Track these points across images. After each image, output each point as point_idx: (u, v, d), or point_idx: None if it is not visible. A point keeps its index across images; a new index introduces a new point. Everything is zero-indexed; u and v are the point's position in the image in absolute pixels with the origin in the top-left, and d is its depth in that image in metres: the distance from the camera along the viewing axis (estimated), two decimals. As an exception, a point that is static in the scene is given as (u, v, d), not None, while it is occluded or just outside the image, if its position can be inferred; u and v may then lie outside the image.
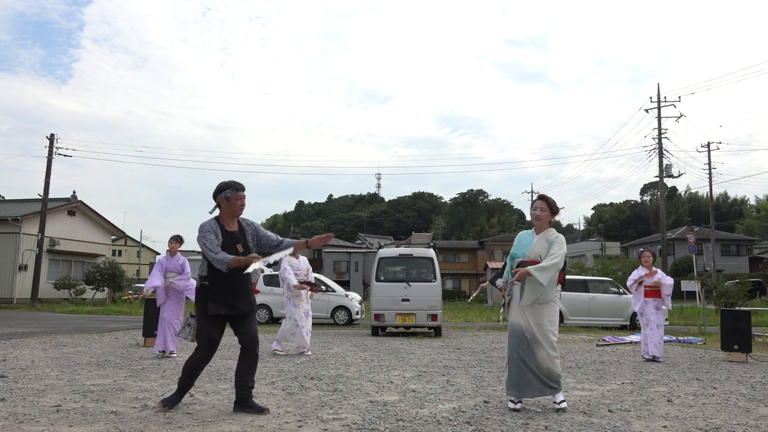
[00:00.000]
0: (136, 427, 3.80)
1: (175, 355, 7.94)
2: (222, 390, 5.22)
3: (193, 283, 8.18)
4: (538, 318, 4.57)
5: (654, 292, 8.50)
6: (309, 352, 8.53)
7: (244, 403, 4.35)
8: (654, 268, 8.57)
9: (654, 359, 8.21)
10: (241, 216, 4.55)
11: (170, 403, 4.39)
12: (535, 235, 4.76)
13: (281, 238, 4.61)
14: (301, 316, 8.52)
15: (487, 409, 4.57)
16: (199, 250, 4.51)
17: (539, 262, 4.56)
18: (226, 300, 4.33)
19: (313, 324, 15.94)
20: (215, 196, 4.46)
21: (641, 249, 9.17)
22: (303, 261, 8.90)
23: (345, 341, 10.88)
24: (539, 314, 4.58)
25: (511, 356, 4.62)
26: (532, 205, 4.87)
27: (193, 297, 8.05)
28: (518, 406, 4.54)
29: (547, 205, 4.75)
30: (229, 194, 4.40)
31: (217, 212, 4.48)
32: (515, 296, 4.69)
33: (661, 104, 29.52)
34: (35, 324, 14.71)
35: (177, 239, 8.16)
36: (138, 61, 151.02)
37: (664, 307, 8.63)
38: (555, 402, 4.56)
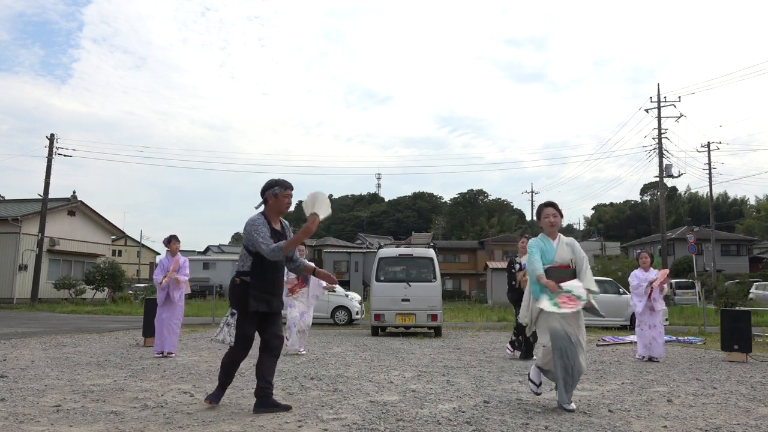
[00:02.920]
0: (136, 427, 3.80)
1: (174, 355, 7.94)
2: (222, 390, 5.22)
3: (183, 288, 8.21)
4: (580, 322, 4.69)
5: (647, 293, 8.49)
6: (303, 351, 8.57)
7: (267, 402, 4.36)
8: (651, 269, 8.59)
9: (651, 359, 8.20)
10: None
11: (215, 399, 4.47)
12: (552, 241, 4.87)
13: (300, 259, 4.70)
14: (295, 316, 8.58)
15: (487, 409, 4.57)
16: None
17: (570, 267, 4.81)
18: (265, 297, 4.38)
19: (314, 324, 15.92)
20: (263, 192, 4.51)
21: (638, 251, 9.13)
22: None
23: (345, 341, 10.88)
24: (580, 319, 4.70)
25: (556, 365, 4.55)
26: (541, 212, 4.94)
27: (178, 296, 8.14)
28: (540, 389, 4.70)
29: (557, 212, 4.92)
30: (277, 191, 4.46)
31: (262, 208, 4.54)
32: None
33: (661, 104, 29.56)
34: (35, 324, 14.71)
35: (177, 239, 8.20)
36: (138, 61, 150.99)
37: (662, 308, 8.60)
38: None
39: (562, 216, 4.98)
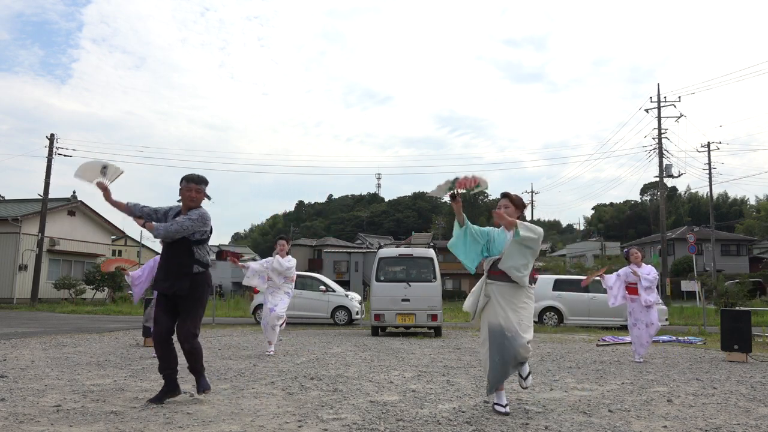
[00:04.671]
0: (136, 427, 3.80)
1: None
2: (222, 390, 5.22)
3: None
4: (520, 315, 4.44)
5: (630, 289, 8.33)
6: (272, 351, 8.38)
7: (196, 384, 4.70)
8: (642, 264, 8.40)
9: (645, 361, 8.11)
10: (198, 207, 4.70)
11: (157, 400, 4.58)
12: (507, 233, 4.60)
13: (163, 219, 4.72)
14: (267, 312, 8.36)
15: (487, 409, 4.57)
16: None
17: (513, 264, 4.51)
18: (157, 277, 4.70)
19: (314, 324, 15.87)
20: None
21: (626, 249, 8.85)
22: (288, 260, 8.50)
23: (345, 341, 10.88)
24: (519, 311, 4.45)
25: (493, 360, 4.45)
26: (497, 205, 4.75)
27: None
28: (507, 409, 4.43)
29: (510, 202, 4.68)
30: (181, 185, 4.69)
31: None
32: (493, 295, 4.53)
33: (661, 104, 29.53)
34: (35, 324, 14.71)
35: None
36: (137, 61, 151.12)
37: (658, 305, 8.39)
38: (521, 376, 4.51)
39: (519, 208, 4.69)
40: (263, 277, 8.45)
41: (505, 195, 4.78)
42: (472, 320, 4.86)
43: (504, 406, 4.44)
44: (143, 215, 4.75)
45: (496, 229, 4.75)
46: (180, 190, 4.68)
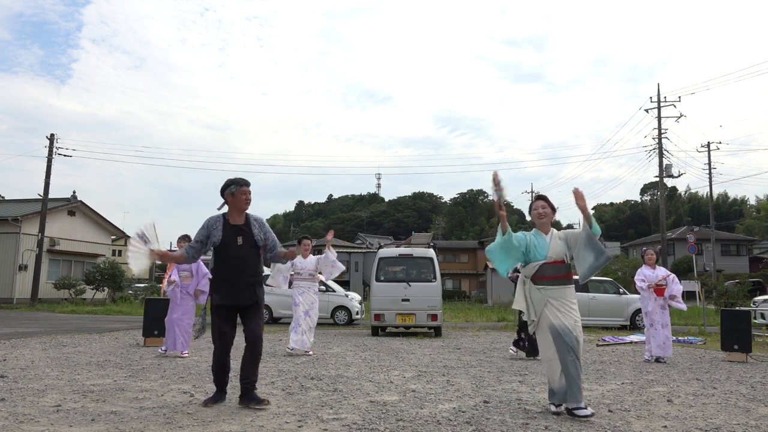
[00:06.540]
0: (136, 427, 3.80)
1: (186, 355, 7.88)
2: (222, 390, 5.21)
3: (205, 283, 8.12)
4: (574, 315, 4.43)
5: (658, 290, 8.41)
6: (310, 353, 8.47)
7: (245, 396, 4.52)
8: (656, 266, 8.57)
9: (658, 360, 8.15)
10: (248, 211, 4.75)
11: (212, 401, 4.59)
12: (545, 236, 4.64)
13: (276, 249, 4.77)
14: (300, 315, 8.44)
15: (487, 409, 4.57)
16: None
17: (564, 261, 4.54)
18: (227, 290, 4.56)
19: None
20: (222, 192, 4.67)
21: (644, 248, 9.02)
22: (311, 261, 8.69)
23: (345, 341, 10.88)
24: (573, 311, 4.43)
25: (566, 360, 4.30)
26: (531, 206, 4.78)
27: (202, 298, 8.13)
28: (561, 409, 4.39)
29: (548, 204, 4.73)
30: (233, 190, 4.63)
31: (225, 209, 4.71)
32: (548, 299, 4.44)
33: (661, 104, 29.52)
34: (35, 324, 14.70)
35: (185, 238, 8.11)
36: (137, 61, 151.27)
37: (677, 305, 8.50)
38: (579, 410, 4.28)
39: (554, 210, 4.74)
40: (286, 278, 8.49)
41: (542, 197, 4.80)
42: (532, 327, 4.75)
43: (585, 408, 4.27)
44: (194, 257, 4.69)
45: (533, 237, 4.66)
46: (233, 194, 4.59)
